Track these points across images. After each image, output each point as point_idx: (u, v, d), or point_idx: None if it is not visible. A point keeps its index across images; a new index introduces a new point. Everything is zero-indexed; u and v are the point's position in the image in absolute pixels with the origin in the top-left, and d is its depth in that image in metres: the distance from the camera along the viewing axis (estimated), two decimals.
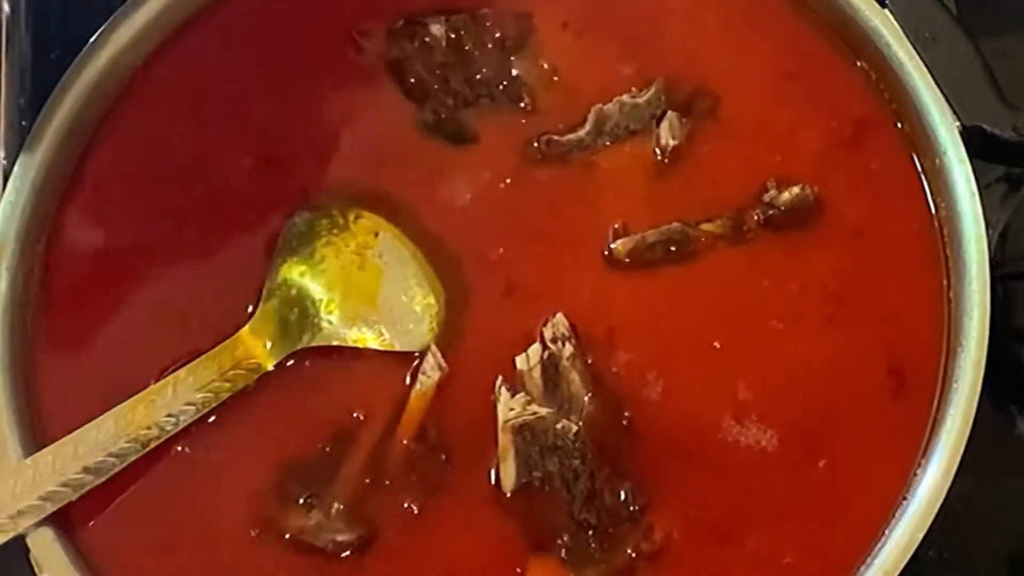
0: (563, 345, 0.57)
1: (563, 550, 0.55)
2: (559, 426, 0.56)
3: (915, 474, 0.55)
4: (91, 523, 0.56)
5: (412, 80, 0.63)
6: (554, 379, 0.57)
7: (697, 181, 0.61)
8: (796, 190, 0.60)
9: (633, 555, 0.55)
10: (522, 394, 0.57)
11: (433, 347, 0.58)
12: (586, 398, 0.57)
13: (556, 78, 0.63)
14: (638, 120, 0.62)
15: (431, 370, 0.57)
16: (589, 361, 0.58)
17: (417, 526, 0.55)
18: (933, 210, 0.60)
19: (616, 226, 0.60)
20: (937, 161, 0.60)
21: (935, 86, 0.60)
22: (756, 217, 0.60)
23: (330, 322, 0.59)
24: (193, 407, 0.56)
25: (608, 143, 0.62)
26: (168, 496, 0.56)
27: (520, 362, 0.57)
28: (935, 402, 0.57)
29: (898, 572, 0.53)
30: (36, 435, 0.57)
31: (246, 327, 0.58)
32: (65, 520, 0.55)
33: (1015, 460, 0.67)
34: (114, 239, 0.61)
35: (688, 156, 0.61)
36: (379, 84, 0.63)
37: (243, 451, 0.57)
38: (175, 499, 0.56)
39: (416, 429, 0.57)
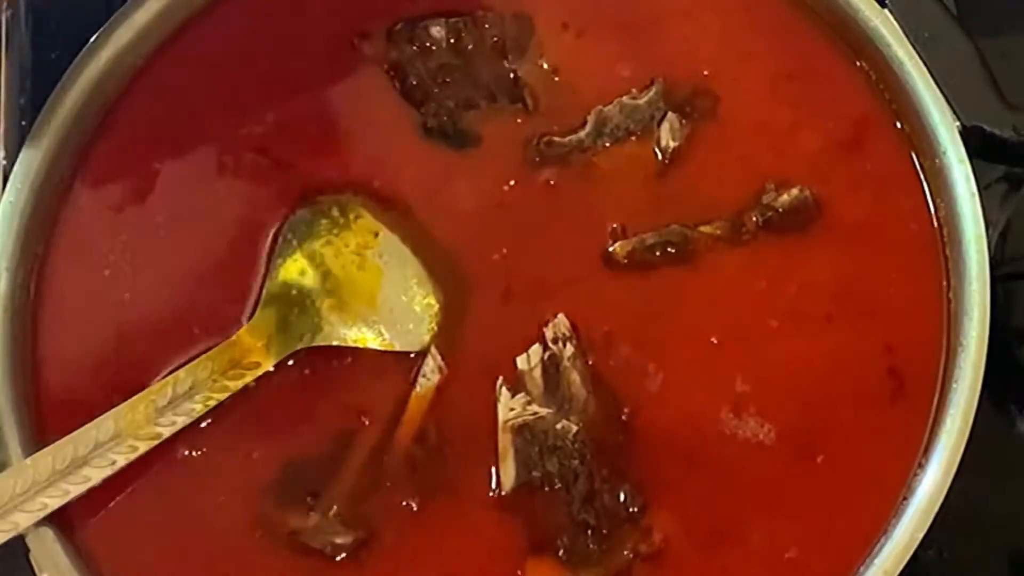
0: (564, 346, 0.57)
1: (562, 551, 0.55)
2: (559, 426, 0.56)
3: (915, 474, 0.55)
4: (91, 523, 0.56)
5: (413, 82, 0.63)
6: (554, 379, 0.57)
7: (697, 182, 0.61)
8: (795, 191, 0.60)
9: (632, 556, 0.55)
10: (522, 394, 0.57)
11: (433, 349, 0.58)
12: (586, 399, 0.57)
13: (556, 79, 0.63)
14: (638, 121, 0.62)
15: (431, 372, 0.57)
16: (590, 362, 0.58)
17: (416, 526, 0.55)
18: (933, 210, 0.60)
19: (615, 227, 0.60)
20: (937, 161, 0.60)
21: (935, 86, 0.60)
22: (755, 218, 0.60)
23: (330, 322, 0.59)
24: (193, 407, 0.56)
25: (608, 144, 0.62)
26: (168, 496, 0.56)
27: (521, 362, 0.57)
28: (935, 402, 0.57)
29: (898, 572, 0.53)
30: (36, 435, 0.57)
31: (246, 327, 0.58)
32: (65, 520, 0.55)
33: (1015, 460, 0.67)
34: (114, 239, 0.61)
35: (688, 157, 0.61)
36: (379, 85, 0.63)
37: (243, 451, 0.57)
38: (175, 499, 0.56)
39: (416, 430, 0.57)
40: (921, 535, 0.54)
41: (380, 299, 0.59)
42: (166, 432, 0.55)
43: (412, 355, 0.58)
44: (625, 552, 0.55)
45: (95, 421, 0.55)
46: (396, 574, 0.55)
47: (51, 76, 0.62)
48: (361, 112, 0.63)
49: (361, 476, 0.56)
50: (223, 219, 0.61)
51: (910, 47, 0.61)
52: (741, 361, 0.58)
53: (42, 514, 0.54)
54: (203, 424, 0.57)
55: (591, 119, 0.62)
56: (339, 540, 0.55)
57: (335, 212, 0.60)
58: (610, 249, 0.60)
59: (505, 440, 0.56)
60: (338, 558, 0.55)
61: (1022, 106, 0.60)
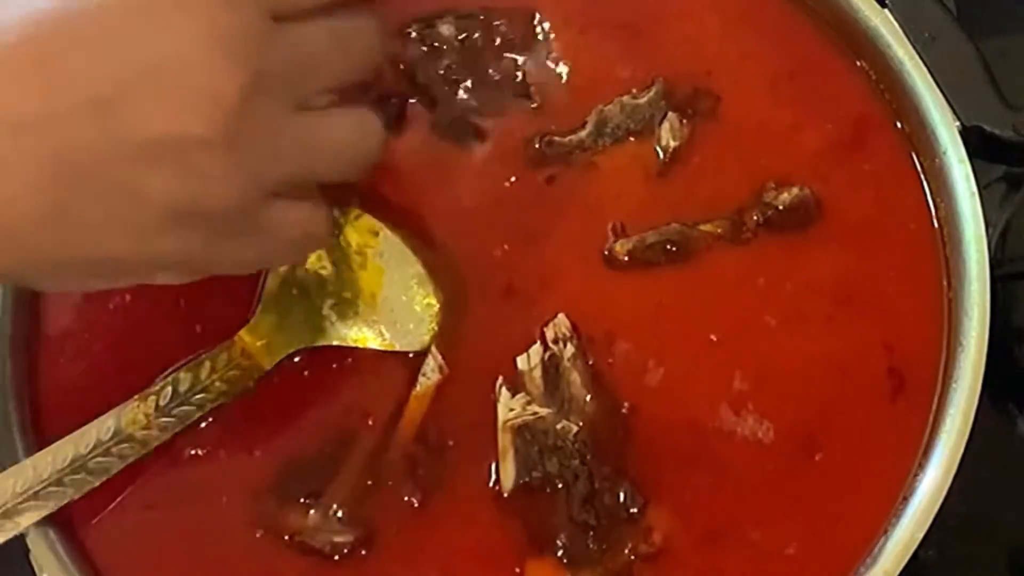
0: (564, 346, 0.57)
1: (562, 551, 0.54)
2: (559, 426, 0.55)
3: (915, 474, 0.55)
4: (91, 523, 0.56)
5: (421, 81, 0.63)
6: (555, 379, 0.57)
7: (697, 181, 0.61)
8: (795, 190, 0.60)
9: (632, 556, 0.55)
10: (522, 394, 0.57)
11: (433, 349, 0.58)
12: (586, 399, 0.57)
13: (561, 78, 0.63)
14: (639, 121, 0.62)
15: (431, 372, 0.57)
16: (590, 362, 0.58)
17: (416, 526, 0.55)
18: (933, 210, 0.60)
19: (616, 226, 0.60)
20: (937, 161, 0.60)
21: (935, 86, 0.60)
22: (756, 217, 0.60)
23: (330, 322, 0.59)
24: (193, 407, 0.56)
25: (609, 143, 0.62)
26: (168, 496, 0.56)
27: (521, 362, 0.57)
28: (935, 402, 0.57)
29: (898, 572, 0.53)
30: (36, 435, 0.57)
31: (246, 327, 0.58)
32: (65, 520, 0.55)
33: (1015, 460, 0.67)
34: None
35: (688, 156, 0.61)
36: (385, 83, 0.63)
37: (243, 451, 0.57)
38: (175, 499, 0.56)
39: (416, 429, 0.57)
40: (921, 535, 0.53)
41: (380, 299, 0.59)
42: (167, 432, 0.55)
43: (412, 355, 0.58)
44: (625, 552, 0.55)
45: (95, 421, 0.55)
46: (396, 574, 0.55)
47: None
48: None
49: (361, 476, 0.56)
50: None
51: (910, 47, 0.61)
52: (741, 359, 0.58)
53: (42, 514, 0.54)
54: (203, 424, 0.57)
55: (592, 119, 0.62)
56: (339, 539, 0.55)
57: (335, 212, 0.60)
58: (611, 248, 0.60)
59: (505, 440, 0.56)
60: (338, 557, 0.55)
61: (1022, 106, 0.60)
